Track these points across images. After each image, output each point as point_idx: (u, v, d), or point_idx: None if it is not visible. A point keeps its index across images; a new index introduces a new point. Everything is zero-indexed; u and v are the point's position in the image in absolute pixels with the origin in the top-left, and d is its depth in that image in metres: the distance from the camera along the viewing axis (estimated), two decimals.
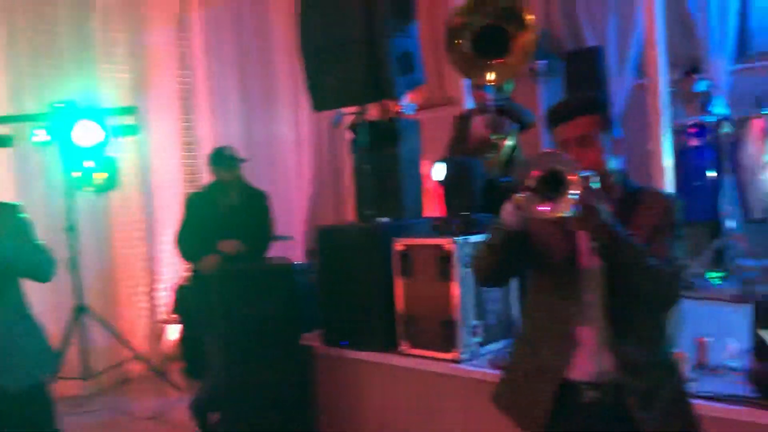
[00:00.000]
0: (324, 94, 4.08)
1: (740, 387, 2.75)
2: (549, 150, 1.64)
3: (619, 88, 5.80)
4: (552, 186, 1.55)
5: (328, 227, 4.31)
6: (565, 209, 1.53)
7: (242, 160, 4.40)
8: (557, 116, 1.80)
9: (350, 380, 3.95)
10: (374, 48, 3.73)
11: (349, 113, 4.16)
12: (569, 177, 1.52)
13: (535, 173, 1.56)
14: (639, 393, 1.72)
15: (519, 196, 1.59)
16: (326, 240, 4.06)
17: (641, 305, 1.72)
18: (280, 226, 5.04)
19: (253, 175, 4.92)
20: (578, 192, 1.53)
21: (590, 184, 1.56)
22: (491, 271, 1.84)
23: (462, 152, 4.34)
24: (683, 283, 1.74)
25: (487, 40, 3.34)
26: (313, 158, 6.76)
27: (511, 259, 1.79)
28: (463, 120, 4.49)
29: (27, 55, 5.41)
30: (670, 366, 1.81)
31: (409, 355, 3.66)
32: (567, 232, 1.73)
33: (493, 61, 3.35)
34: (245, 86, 6.50)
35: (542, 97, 6.08)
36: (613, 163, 1.78)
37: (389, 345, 3.73)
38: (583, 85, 5.63)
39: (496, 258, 1.79)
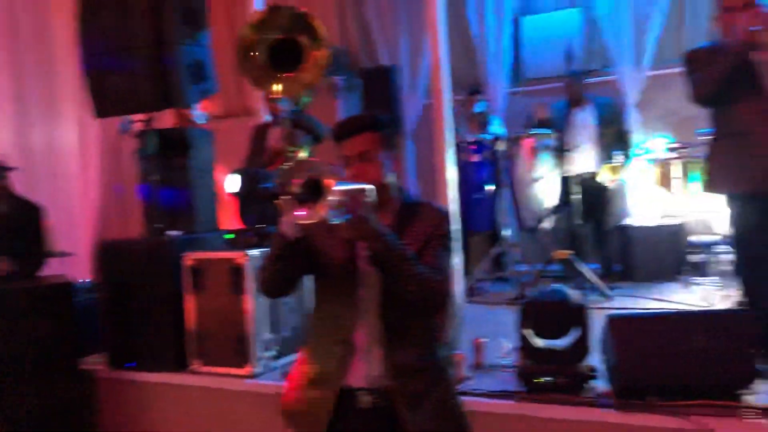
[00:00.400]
0: (108, 100, 3.84)
1: (510, 383, 3.01)
2: (309, 159, 1.70)
3: (410, 106, 6.13)
4: (311, 193, 1.60)
5: (113, 242, 4.05)
6: (322, 215, 1.59)
7: (9, 169, 3.99)
8: (341, 133, 1.88)
9: (138, 404, 3.72)
10: (163, 55, 3.59)
11: (137, 121, 3.95)
12: (326, 184, 1.59)
13: (296, 181, 1.61)
14: (408, 395, 1.79)
15: (280, 201, 1.62)
16: (111, 256, 3.81)
17: (412, 310, 1.81)
18: (63, 241, 4.64)
19: (29, 186, 4.48)
20: (339, 199, 1.59)
21: (365, 196, 1.63)
22: (271, 281, 1.86)
23: (259, 164, 4.31)
24: (449, 291, 1.84)
25: (282, 53, 3.37)
26: (101, 168, 6.30)
27: (289, 268, 1.81)
28: (260, 132, 4.47)
29: None
30: (441, 368, 1.92)
31: (201, 373, 3.54)
32: (346, 241, 1.79)
33: (284, 75, 3.39)
34: (21, 88, 5.89)
35: (341, 111, 6.24)
36: (391, 178, 1.88)
37: (180, 364, 3.59)
38: (378, 102, 5.89)
39: (275, 268, 1.81)
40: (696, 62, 3.12)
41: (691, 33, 5.38)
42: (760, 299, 3.07)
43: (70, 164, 6.19)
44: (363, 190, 1.65)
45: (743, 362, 2.63)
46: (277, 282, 1.87)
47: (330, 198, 1.57)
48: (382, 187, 1.79)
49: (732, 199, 3.16)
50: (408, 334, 1.82)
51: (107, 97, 3.82)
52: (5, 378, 3.52)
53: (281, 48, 3.41)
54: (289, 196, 1.61)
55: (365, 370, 1.81)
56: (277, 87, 3.02)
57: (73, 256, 4.97)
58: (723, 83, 2.99)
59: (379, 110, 5.73)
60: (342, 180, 1.65)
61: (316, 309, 1.95)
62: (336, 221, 1.61)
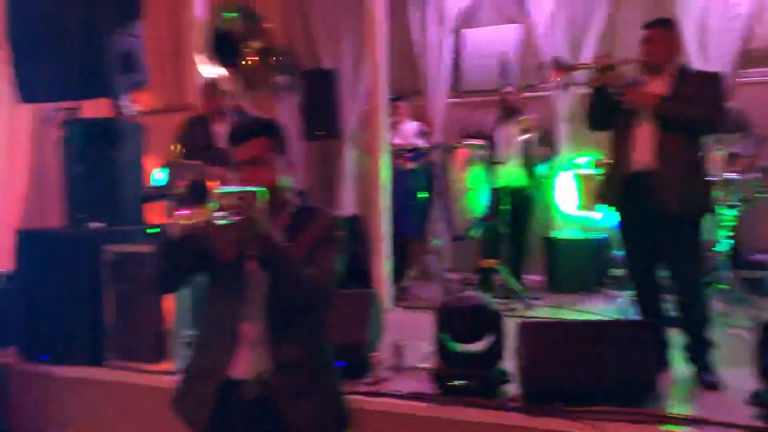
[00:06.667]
0: (34, 86, 3.76)
1: (425, 385, 3.07)
2: (194, 162, 1.75)
3: (350, 110, 6.17)
4: (194, 195, 1.68)
5: (32, 231, 3.95)
6: (203, 216, 1.67)
7: None
8: (234, 137, 1.95)
9: (52, 399, 3.62)
10: (93, 43, 3.54)
11: (64, 109, 3.86)
12: (209, 186, 1.67)
13: (181, 183, 1.70)
14: (290, 391, 1.86)
15: (166, 202, 1.67)
16: (29, 245, 3.71)
17: (296, 309, 1.89)
18: None
19: None
20: (223, 200, 1.67)
21: (254, 199, 1.70)
22: (158, 277, 1.93)
23: (191, 158, 4.26)
24: (333, 292, 1.92)
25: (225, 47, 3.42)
26: (29, 155, 6.11)
27: (175, 265, 1.87)
28: (192, 125, 4.39)
29: None
30: (325, 365, 2.00)
31: (117, 368, 3.49)
32: (235, 241, 1.85)
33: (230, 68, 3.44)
34: None
35: (279, 111, 6.22)
36: (286, 182, 1.96)
37: (96, 359, 3.52)
38: (318, 104, 5.91)
39: (162, 263, 1.87)
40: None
41: (624, 52, 5.57)
42: (646, 309, 3.26)
43: None
44: (253, 193, 1.70)
45: (643, 370, 2.77)
46: (163, 278, 1.93)
47: (213, 200, 1.64)
48: (274, 191, 1.86)
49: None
50: (293, 330, 1.89)
51: (34, 82, 3.74)
52: None
53: (225, 42, 3.45)
54: (174, 197, 1.69)
55: (250, 363, 1.87)
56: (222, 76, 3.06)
57: None
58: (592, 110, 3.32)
59: (317, 114, 5.78)
60: (232, 183, 1.73)
61: (206, 305, 2.02)
62: (223, 222, 1.67)
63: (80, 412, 3.56)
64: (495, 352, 2.99)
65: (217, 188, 1.66)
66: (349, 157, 6.25)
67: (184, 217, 1.68)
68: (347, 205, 6.19)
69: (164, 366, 3.36)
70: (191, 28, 5.18)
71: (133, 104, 3.93)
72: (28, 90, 3.80)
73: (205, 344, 1.97)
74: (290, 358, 1.87)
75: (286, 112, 6.29)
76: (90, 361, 3.53)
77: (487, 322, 2.99)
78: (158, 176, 3.78)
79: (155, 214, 4.27)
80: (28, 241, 3.72)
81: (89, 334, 3.52)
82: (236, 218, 1.67)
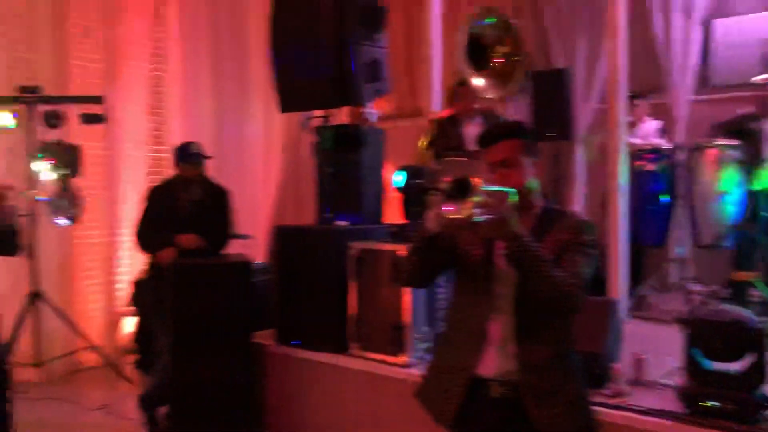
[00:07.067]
0: (292, 96, 4.15)
1: (670, 403, 2.85)
2: (460, 158, 1.79)
3: (582, 111, 5.94)
4: (459, 191, 1.72)
5: (288, 227, 4.36)
6: (468, 211, 1.70)
7: (207, 157, 4.43)
8: (485, 140, 2.00)
9: (300, 380, 3.99)
10: (342, 54, 3.81)
11: (316, 116, 4.23)
12: (474, 183, 1.70)
13: (445, 179, 1.73)
14: (537, 392, 1.86)
15: (429, 197, 1.73)
16: (285, 240, 4.11)
17: (545, 310, 1.89)
18: (245, 225, 5.06)
19: (220, 172, 4.93)
20: (484, 199, 1.69)
21: (508, 199, 1.70)
22: (412, 272, 2.01)
23: (440, 159, 4.39)
24: (582, 297, 1.87)
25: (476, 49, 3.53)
26: (281, 159, 6.80)
27: (430, 260, 1.95)
28: (444, 125, 4.53)
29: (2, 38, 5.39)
30: (573, 369, 1.94)
31: (359, 357, 3.72)
32: (485, 239, 1.87)
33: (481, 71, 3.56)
34: (218, 83, 6.52)
35: (509, 113, 6.18)
36: (534, 184, 1.96)
37: (340, 347, 3.78)
38: (549, 105, 5.77)
39: (417, 259, 1.95)
40: None
41: None
42: None
43: (255, 155, 6.75)
44: (506, 193, 1.75)
45: None
46: (416, 273, 2.02)
47: (476, 197, 1.68)
48: (523, 192, 1.88)
49: None
50: (541, 332, 1.90)
51: (292, 93, 4.13)
52: (184, 344, 3.86)
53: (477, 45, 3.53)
54: (438, 192, 1.73)
55: (497, 363, 1.90)
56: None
57: (251, 239, 5.44)
58: None
59: (549, 115, 5.65)
60: (488, 182, 1.75)
61: (453, 301, 2.08)
62: (479, 220, 1.70)
63: (323, 395, 3.87)
64: (756, 374, 2.68)
65: (481, 185, 1.69)
66: (581, 158, 6.04)
67: (450, 212, 1.72)
68: (577, 208, 5.97)
69: (401, 358, 3.52)
70: (424, 35, 5.38)
71: (376, 111, 4.18)
72: (287, 100, 4.20)
73: (452, 340, 2.03)
74: (538, 360, 1.87)
75: (516, 113, 6.24)
76: (335, 348, 3.79)
77: (748, 340, 2.69)
78: (397, 179, 3.96)
79: (393, 214, 4.50)
80: (284, 236, 4.12)
81: (335, 324, 3.79)
82: (490, 216, 1.70)
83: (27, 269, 5.12)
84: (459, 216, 1.71)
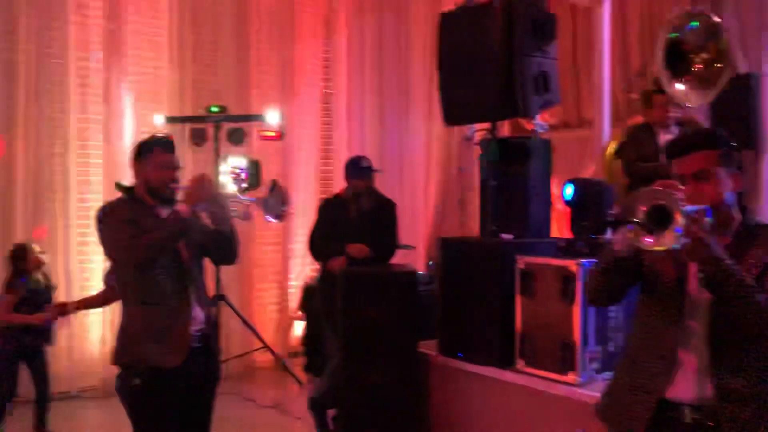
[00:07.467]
0: (457, 109, 4.19)
1: None
2: (658, 185, 1.69)
3: None
4: (657, 220, 1.62)
5: (453, 239, 4.39)
6: (668, 243, 1.61)
7: (376, 171, 4.59)
8: (675, 150, 1.87)
9: (463, 392, 3.99)
10: (511, 66, 3.78)
11: (480, 129, 4.23)
12: (675, 213, 1.59)
13: (642, 207, 1.64)
14: (739, 421, 1.74)
15: (627, 228, 1.67)
16: (449, 252, 4.14)
17: (746, 337, 1.75)
18: (405, 236, 5.18)
19: (383, 183, 5.09)
20: (683, 227, 1.59)
21: (703, 218, 1.60)
22: (599, 290, 1.96)
23: (631, 169, 4.24)
24: None
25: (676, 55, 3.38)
26: (441, 171, 6.89)
27: (619, 281, 1.89)
28: (638, 134, 4.33)
29: (191, 62, 5.96)
30: None
31: (524, 373, 3.66)
32: (677, 261, 1.78)
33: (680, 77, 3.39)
34: (382, 98, 6.77)
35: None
36: (731, 198, 1.81)
37: (505, 361, 3.75)
38: (731, 113, 5.35)
39: (605, 279, 1.90)
40: None
41: None
42: None
43: (415, 168, 6.90)
44: (703, 211, 1.65)
45: None
46: (603, 293, 1.96)
47: (678, 226, 1.59)
48: (719, 208, 1.75)
49: None
50: (739, 359, 1.77)
51: (458, 105, 4.16)
52: (353, 349, 4.01)
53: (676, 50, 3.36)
54: (635, 224, 1.64)
55: (690, 387, 1.80)
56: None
57: (412, 250, 5.55)
58: None
59: (732, 122, 5.25)
60: (684, 201, 1.64)
61: (639, 322, 1.99)
62: (677, 247, 1.61)
63: (487, 409, 3.84)
64: None
65: (681, 209, 1.60)
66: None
67: (649, 245, 1.64)
68: None
69: (570, 377, 3.42)
70: (593, 43, 5.20)
71: (544, 122, 4.11)
72: (452, 112, 4.24)
73: (638, 362, 1.94)
74: (735, 389, 1.75)
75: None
76: (500, 362, 3.75)
77: None
78: (566, 191, 3.86)
79: (559, 228, 4.39)
80: (450, 248, 4.15)
81: (500, 337, 3.75)
82: (688, 240, 1.61)
83: (212, 273, 5.58)
84: (659, 247, 1.63)
